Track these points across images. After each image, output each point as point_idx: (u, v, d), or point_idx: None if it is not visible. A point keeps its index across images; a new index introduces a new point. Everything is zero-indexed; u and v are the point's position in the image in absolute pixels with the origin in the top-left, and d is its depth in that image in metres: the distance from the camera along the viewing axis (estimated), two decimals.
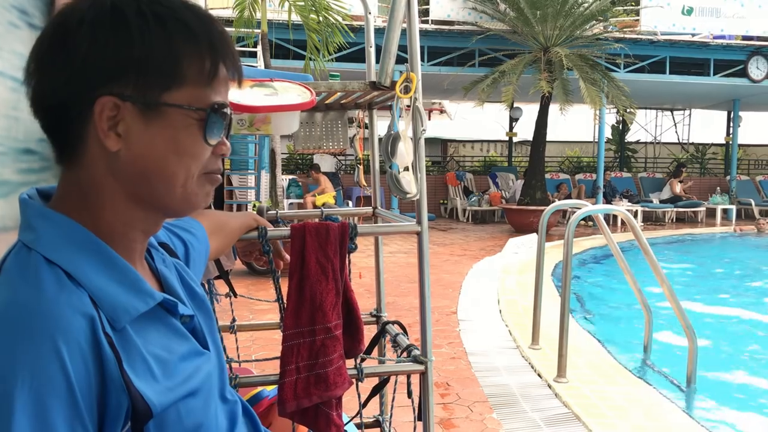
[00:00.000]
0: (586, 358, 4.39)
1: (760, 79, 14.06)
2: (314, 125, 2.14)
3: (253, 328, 2.25)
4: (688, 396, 4.04)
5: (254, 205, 7.86)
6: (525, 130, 17.05)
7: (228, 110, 0.86)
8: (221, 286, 1.74)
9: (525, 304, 5.82)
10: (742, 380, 4.60)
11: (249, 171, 9.27)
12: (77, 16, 0.77)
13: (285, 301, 1.54)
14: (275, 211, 2.01)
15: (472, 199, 14.81)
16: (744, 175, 17.78)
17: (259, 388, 1.79)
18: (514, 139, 18.45)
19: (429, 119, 24.24)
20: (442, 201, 15.91)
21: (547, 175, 14.33)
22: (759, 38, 14.13)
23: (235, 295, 1.72)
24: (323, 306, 1.51)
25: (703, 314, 6.33)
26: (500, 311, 5.70)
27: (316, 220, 2.03)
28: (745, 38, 14.10)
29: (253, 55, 9.53)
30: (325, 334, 1.51)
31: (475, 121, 22.51)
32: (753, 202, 15.68)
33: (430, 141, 20.94)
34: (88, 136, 0.79)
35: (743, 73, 14.04)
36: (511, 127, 17.55)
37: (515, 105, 16.09)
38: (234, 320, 1.93)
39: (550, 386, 3.76)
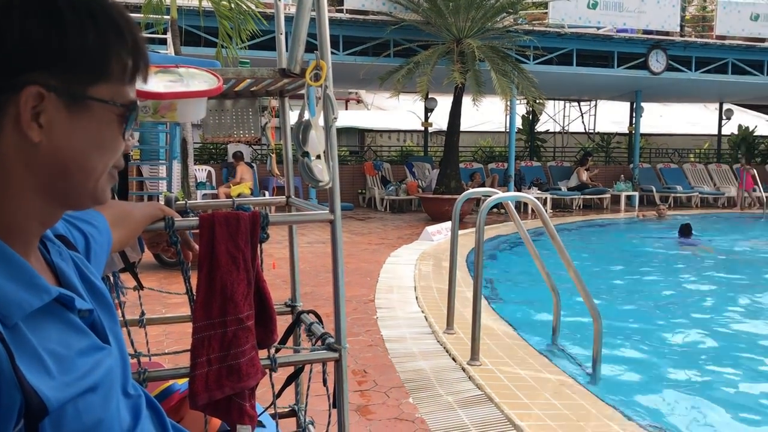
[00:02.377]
0: (499, 341, 4.52)
1: (659, 71, 14.78)
2: (224, 113, 2.10)
3: (164, 321, 2.20)
4: (595, 375, 4.23)
5: (165, 196, 7.66)
6: (440, 121, 17.29)
7: (138, 106, 0.88)
8: (130, 280, 1.69)
9: (440, 290, 5.93)
10: (644, 358, 4.85)
11: (160, 161, 9.00)
12: (4, 0, 0.75)
13: (195, 292, 1.51)
14: (184, 201, 1.96)
15: (390, 189, 14.92)
16: (646, 163, 18.67)
17: (170, 382, 1.75)
18: (430, 129, 18.69)
19: (346, 109, 24.21)
20: (360, 191, 15.95)
21: (462, 165, 14.59)
22: (658, 32, 14.84)
23: (142, 288, 1.67)
24: (234, 297, 1.49)
25: (609, 296, 6.64)
26: (417, 298, 5.79)
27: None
28: (645, 32, 14.77)
29: (163, 42, 9.24)
30: (237, 325, 1.49)
31: (391, 111, 22.64)
32: (654, 189, 16.50)
33: (347, 131, 20.92)
34: (2, 124, 0.76)
35: (644, 66, 14.73)
36: (426, 118, 17.76)
37: (430, 96, 16.28)
38: (143, 314, 1.88)
39: (464, 369, 3.85)
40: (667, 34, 14.88)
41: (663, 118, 23.46)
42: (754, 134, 21.05)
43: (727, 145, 21.43)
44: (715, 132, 21.30)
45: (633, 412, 3.55)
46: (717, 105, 21.37)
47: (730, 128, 21.39)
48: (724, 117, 20.73)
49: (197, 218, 1.47)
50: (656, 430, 3.33)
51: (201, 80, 1.52)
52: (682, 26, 15.42)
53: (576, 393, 3.59)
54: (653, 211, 14.08)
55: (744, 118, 22.95)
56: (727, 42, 15.15)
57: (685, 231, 9.99)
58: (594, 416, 3.23)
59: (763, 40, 15.43)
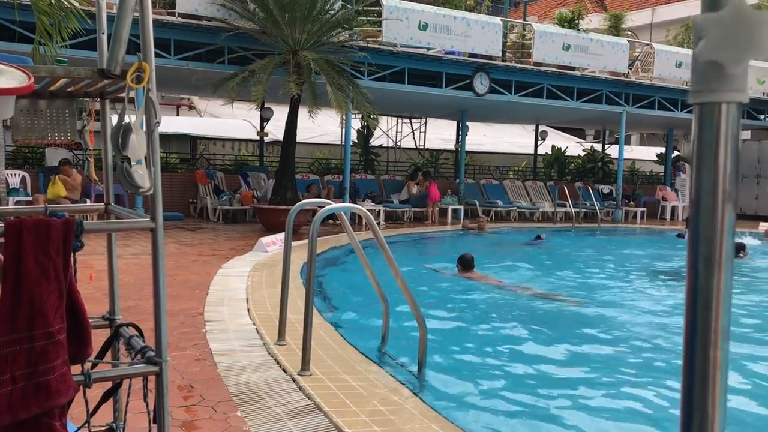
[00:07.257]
0: (330, 350, 4.57)
1: (483, 93, 15.76)
2: (38, 114, 1.96)
3: None
4: (420, 380, 4.40)
5: None
6: (276, 131, 17.19)
7: None
8: None
9: (273, 301, 5.89)
10: (467, 362, 5.12)
11: None
12: None
13: None
14: None
15: (223, 198, 14.57)
16: (471, 179, 19.77)
17: None
18: (266, 139, 18.51)
19: (177, 115, 23.35)
20: (191, 200, 15.42)
21: (298, 176, 14.60)
22: (482, 56, 15.82)
23: None
24: (44, 309, 1.40)
25: (434, 304, 6.93)
26: (249, 310, 5.70)
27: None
28: (471, 55, 15.69)
29: None
30: (46, 339, 1.40)
31: (226, 119, 22.14)
32: (477, 203, 17.52)
33: (178, 137, 20.15)
34: None
35: (470, 87, 15.63)
36: (262, 127, 17.58)
37: (266, 105, 16.15)
38: None
39: (294, 380, 3.86)
40: (490, 58, 15.89)
41: (486, 137, 25.01)
42: (566, 154, 23.09)
43: (542, 164, 23.29)
44: (532, 151, 23.07)
45: (455, 414, 3.73)
46: (534, 126, 23.18)
47: (545, 148, 23.28)
48: (539, 138, 22.52)
49: (2, 225, 1.36)
50: None
51: (9, 77, 1.42)
52: (504, 52, 16.52)
53: (402, 398, 3.71)
54: (475, 223, 14.94)
55: (557, 139, 25.11)
56: (542, 68, 16.48)
57: (538, 237, 13.10)
58: (418, 419, 3.36)
59: (573, 68, 16.95)
